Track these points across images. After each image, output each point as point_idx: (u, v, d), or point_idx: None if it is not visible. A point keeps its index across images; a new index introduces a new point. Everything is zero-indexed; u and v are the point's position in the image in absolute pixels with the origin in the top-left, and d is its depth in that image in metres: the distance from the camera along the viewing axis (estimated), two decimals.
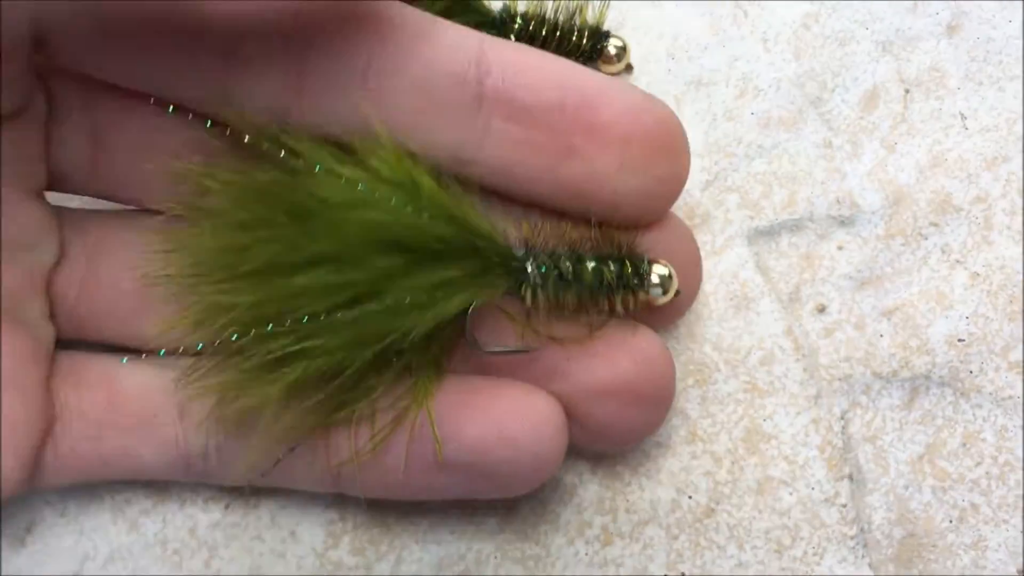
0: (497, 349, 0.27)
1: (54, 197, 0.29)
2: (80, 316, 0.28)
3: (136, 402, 0.28)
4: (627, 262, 0.27)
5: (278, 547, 0.31)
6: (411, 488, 0.28)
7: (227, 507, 0.31)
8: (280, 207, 0.24)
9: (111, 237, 0.29)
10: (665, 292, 0.27)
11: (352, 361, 0.25)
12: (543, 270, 0.26)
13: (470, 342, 0.27)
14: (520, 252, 0.26)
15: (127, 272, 0.28)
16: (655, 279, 0.27)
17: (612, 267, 0.26)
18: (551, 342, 0.27)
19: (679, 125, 0.27)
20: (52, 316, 0.28)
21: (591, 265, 0.26)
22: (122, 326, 0.29)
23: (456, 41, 0.26)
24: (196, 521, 0.31)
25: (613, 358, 0.27)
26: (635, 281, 0.27)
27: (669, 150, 0.26)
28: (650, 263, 0.27)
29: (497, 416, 0.26)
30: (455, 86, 0.25)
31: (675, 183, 0.27)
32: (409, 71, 0.25)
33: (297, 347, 0.24)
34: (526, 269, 0.26)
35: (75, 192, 0.29)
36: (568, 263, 0.26)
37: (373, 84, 0.25)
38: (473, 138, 0.26)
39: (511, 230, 0.27)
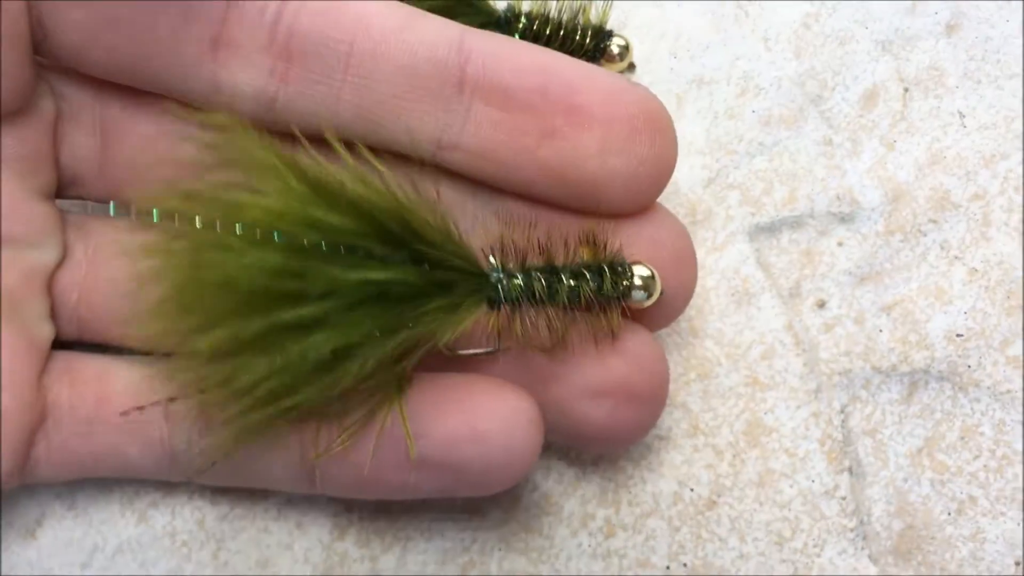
0: (466, 352, 0.27)
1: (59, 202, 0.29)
2: (81, 317, 0.29)
3: (124, 400, 0.28)
4: (607, 273, 0.26)
5: (285, 539, 0.31)
6: (384, 487, 0.28)
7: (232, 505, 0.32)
8: (238, 283, 0.24)
9: (112, 240, 0.29)
10: (649, 295, 0.26)
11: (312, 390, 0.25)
12: (515, 296, 0.25)
13: (441, 348, 0.26)
14: (491, 269, 0.26)
15: (124, 276, 0.28)
16: (637, 281, 0.26)
17: (591, 283, 0.26)
18: (526, 347, 0.27)
19: (663, 109, 0.27)
20: (54, 317, 0.28)
21: (569, 284, 0.26)
22: (122, 328, 0.29)
23: (437, 29, 0.26)
24: (204, 513, 0.31)
25: (605, 359, 0.27)
26: (615, 295, 0.26)
27: (652, 131, 0.26)
28: (631, 267, 0.26)
29: (468, 412, 0.26)
30: (437, 72, 0.26)
31: (659, 166, 0.27)
32: (391, 57, 0.26)
33: (264, 382, 0.24)
34: (496, 288, 0.25)
35: (82, 197, 0.29)
36: (543, 282, 0.26)
37: (355, 70, 0.26)
38: (455, 123, 0.26)
39: (482, 231, 0.27)
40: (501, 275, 0.26)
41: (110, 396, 0.28)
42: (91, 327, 0.29)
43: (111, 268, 0.29)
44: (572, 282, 0.26)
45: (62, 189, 0.29)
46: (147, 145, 0.28)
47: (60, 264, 0.28)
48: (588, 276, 0.26)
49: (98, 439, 0.28)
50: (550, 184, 0.27)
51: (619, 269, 0.26)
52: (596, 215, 0.27)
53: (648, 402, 0.28)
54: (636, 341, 0.27)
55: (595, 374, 0.27)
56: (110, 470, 0.29)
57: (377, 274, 0.24)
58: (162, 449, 0.28)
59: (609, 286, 0.26)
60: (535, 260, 0.26)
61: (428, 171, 0.27)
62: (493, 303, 0.26)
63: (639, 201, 0.27)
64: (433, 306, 0.25)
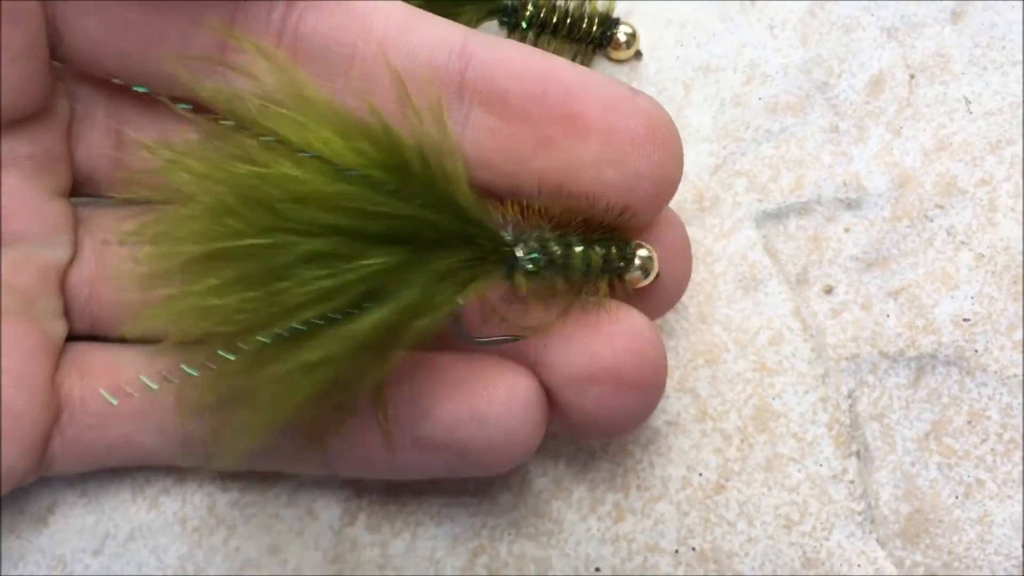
0: (487, 339, 0.27)
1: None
2: (93, 313, 0.29)
3: (136, 390, 0.28)
4: (613, 245, 0.26)
5: (295, 525, 0.31)
6: (395, 468, 0.28)
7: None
8: (261, 199, 0.22)
9: (118, 233, 0.29)
10: (646, 274, 0.26)
11: (354, 369, 0.23)
12: (533, 256, 0.25)
13: (461, 335, 0.26)
14: (508, 236, 0.26)
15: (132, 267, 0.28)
16: (636, 261, 0.26)
17: (599, 250, 0.26)
18: (535, 330, 0.26)
19: (667, 120, 0.26)
20: (67, 313, 0.29)
21: (579, 249, 0.26)
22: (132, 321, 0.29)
23: (439, 34, 0.26)
24: (215, 499, 0.32)
25: (590, 342, 0.26)
26: (620, 264, 0.26)
27: (652, 144, 0.25)
28: (634, 245, 0.26)
29: (466, 394, 0.26)
30: (437, 77, 0.25)
31: (660, 180, 0.26)
32: (392, 60, 0.25)
33: (294, 360, 0.22)
34: (515, 255, 0.25)
35: (96, 194, 0.29)
36: (557, 248, 0.26)
37: (359, 72, 0.26)
38: (455, 129, 0.26)
39: (496, 211, 0.26)
40: (520, 238, 0.25)
41: (121, 387, 0.28)
42: (103, 322, 0.29)
43: (117, 261, 0.29)
44: (580, 248, 0.26)
45: (77, 187, 0.29)
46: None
47: (71, 261, 0.29)
48: (597, 247, 0.26)
49: (111, 431, 0.28)
50: (547, 194, 0.26)
51: (623, 244, 0.26)
52: (597, 227, 0.26)
53: (640, 388, 0.26)
54: (626, 325, 0.26)
55: (579, 358, 0.26)
56: (124, 459, 0.29)
57: (401, 207, 0.23)
58: (175, 436, 0.28)
59: (615, 256, 0.26)
60: (545, 231, 0.26)
61: None
62: (510, 270, 0.25)
63: (638, 216, 0.26)
64: (455, 258, 0.24)
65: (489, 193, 0.27)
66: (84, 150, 0.29)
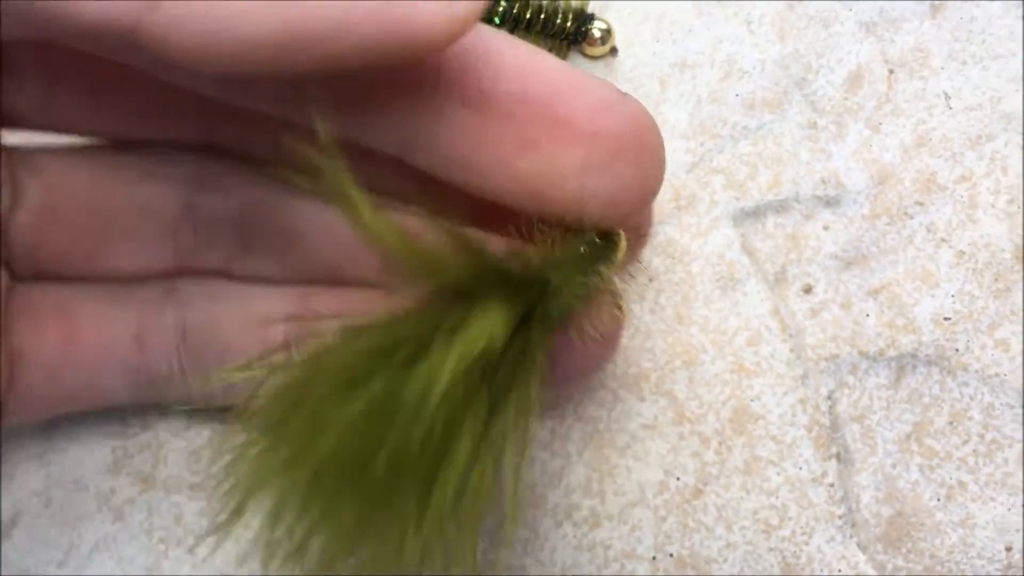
0: None
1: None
2: (40, 257, 0.27)
3: (94, 334, 0.27)
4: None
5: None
6: None
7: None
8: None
9: (66, 175, 0.28)
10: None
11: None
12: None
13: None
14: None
15: (84, 210, 0.27)
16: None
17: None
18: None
19: (654, 126, 0.24)
20: (11, 259, 0.27)
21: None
22: (82, 263, 0.28)
23: None
24: (182, 510, 0.31)
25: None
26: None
27: (639, 151, 0.24)
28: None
29: None
30: (412, 70, 0.23)
31: (644, 189, 0.24)
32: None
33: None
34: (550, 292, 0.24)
35: (30, 129, 0.28)
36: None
37: None
38: (429, 124, 0.24)
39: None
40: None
41: (75, 332, 0.27)
42: (50, 266, 0.28)
43: (68, 205, 0.27)
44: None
45: (4, 123, 0.27)
46: (97, 85, 0.27)
47: (12, 207, 0.27)
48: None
49: (68, 377, 0.27)
50: (525, 197, 0.24)
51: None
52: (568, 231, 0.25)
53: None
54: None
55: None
56: (87, 404, 0.28)
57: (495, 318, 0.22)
58: (139, 375, 0.27)
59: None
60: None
61: (398, 172, 0.25)
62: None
63: (617, 222, 0.25)
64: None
65: (466, 196, 0.26)
66: (13, 96, 0.26)
